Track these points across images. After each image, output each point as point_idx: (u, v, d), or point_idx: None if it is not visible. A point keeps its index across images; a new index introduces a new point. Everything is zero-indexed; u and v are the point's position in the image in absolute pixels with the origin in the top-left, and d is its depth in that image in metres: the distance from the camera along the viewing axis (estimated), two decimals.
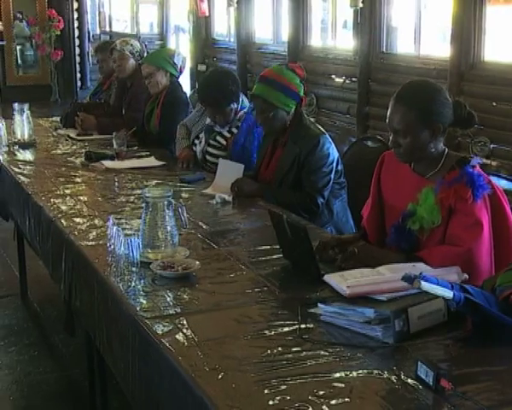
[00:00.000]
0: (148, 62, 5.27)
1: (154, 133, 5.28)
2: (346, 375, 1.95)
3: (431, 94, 2.77)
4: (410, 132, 2.73)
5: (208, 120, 4.47)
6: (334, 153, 3.79)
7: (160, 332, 2.22)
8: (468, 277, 2.44)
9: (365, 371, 1.97)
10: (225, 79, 4.31)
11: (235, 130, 4.35)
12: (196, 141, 4.58)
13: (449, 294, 2.08)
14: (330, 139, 3.81)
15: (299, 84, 3.81)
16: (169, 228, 2.82)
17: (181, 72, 5.34)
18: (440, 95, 2.77)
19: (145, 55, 5.72)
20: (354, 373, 1.96)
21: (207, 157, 4.45)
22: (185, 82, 10.68)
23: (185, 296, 2.51)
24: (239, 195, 3.78)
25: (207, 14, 12.75)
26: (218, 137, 4.41)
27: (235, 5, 11.66)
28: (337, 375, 1.95)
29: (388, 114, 2.79)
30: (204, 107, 4.50)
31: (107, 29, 15.70)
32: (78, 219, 3.42)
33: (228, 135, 4.37)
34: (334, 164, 3.78)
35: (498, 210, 2.71)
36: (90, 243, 3.07)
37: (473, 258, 2.62)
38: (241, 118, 4.35)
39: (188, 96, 5.55)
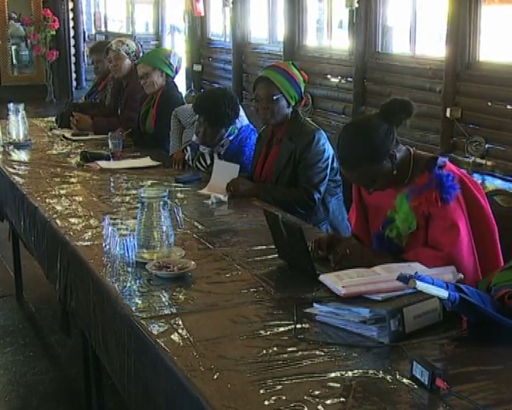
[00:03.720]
0: (143, 62, 5.26)
1: (149, 133, 5.27)
2: (342, 375, 1.95)
3: (367, 140, 2.70)
4: (376, 179, 2.72)
5: (194, 137, 4.42)
6: (330, 149, 3.81)
7: (155, 332, 2.22)
8: (463, 276, 2.44)
9: (361, 370, 1.97)
10: (225, 100, 4.19)
11: (216, 156, 4.30)
12: (185, 152, 4.55)
13: (444, 293, 2.08)
14: (325, 135, 3.83)
15: (302, 82, 3.89)
16: (164, 228, 2.82)
17: (176, 72, 5.34)
18: (376, 133, 2.70)
19: (141, 55, 5.71)
20: (350, 373, 1.96)
21: None
22: (181, 82, 10.69)
23: (181, 296, 2.51)
24: (235, 195, 3.78)
25: (203, 14, 12.77)
26: (201, 159, 4.39)
27: (231, 5, 11.68)
28: (332, 375, 1.95)
29: (350, 179, 2.85)
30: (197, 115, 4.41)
31: (103, 29, 15.71)
32: (73, 220, 3.41)
33: (209, 161, 4.33)
34: (330, 160, 3.80)
35: (473, 204, 2.71)
36: (86, 244, 3.07)
37: (454, 261, 2.60)
38: (224, 145, 4.28)
39: (183, 96, 5.55)
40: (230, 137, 4.28)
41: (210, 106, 4.21)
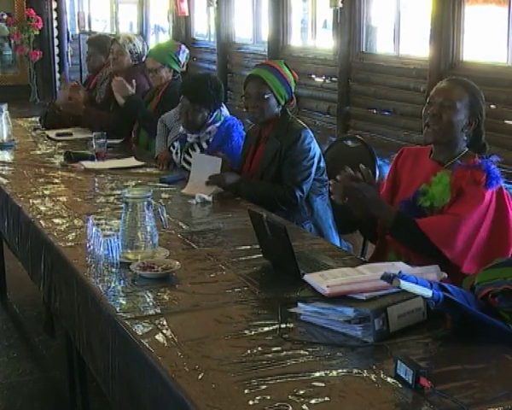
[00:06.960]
0: (154, 58, 5.28)
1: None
2: (326, 374, 1.96)
3: (479, 90, 2.93)
4: (456, 110, 2.85)
5: (181, 129, 4.43)
6: (316, 148, 3.81)
7: (139, 333, 2.22)
8: (446, 275, 2.45)
9: (345, 370, 1.98)
10: (208, 81, 4.26)
11: (205, 145, 4.30)
12: (172, 149, 4.54)
13: (428, 292, 2.09)
14: (312, 135, 3.83)
15: (292, 82, 3.91)
16: (149, 228, 2.81)
17: (183, 67, 5.42)
18: (482, 98, 2.94)
19: (144, 58, 5.67)
20: (334, 372, 1.97)
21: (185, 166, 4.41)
22: None
23: (165, 297, 2.51)
24: (221, 186, 3.78)
25: (187, 13, 12.73)
26: (190, 150, 4.38)
27: (215, 5, 11.65)
28: (317, 374, 1.95)
29: (438, 88, 2.94)
30: (182, 95, 4.38)
31: (87, 29, 15.64)
32: (57, 220, 3.40)
33: (198, 150, 4.32)
34: (316, 159, 3.80)
35: (501, 210, 2.79)
36: (70, 244, 3.06)
37: (457, 226, 2.71)
38: (211, 132, 4.29)
39: None
40: (217, 124, 4.28)
41: (193, 84, 4.29)
